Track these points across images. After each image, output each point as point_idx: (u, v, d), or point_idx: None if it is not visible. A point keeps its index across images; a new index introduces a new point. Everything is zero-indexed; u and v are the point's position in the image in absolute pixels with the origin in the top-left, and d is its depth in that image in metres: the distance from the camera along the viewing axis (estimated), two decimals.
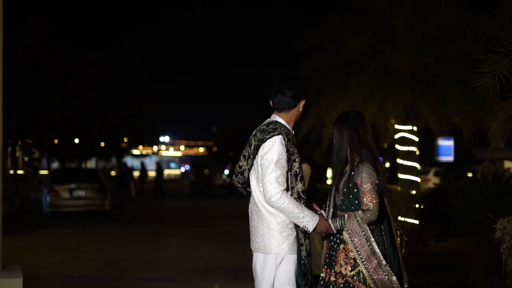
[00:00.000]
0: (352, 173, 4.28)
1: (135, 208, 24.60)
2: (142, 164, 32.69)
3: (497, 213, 7.66)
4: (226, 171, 45.77)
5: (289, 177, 4.26)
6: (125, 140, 39.52)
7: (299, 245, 4.27)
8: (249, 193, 4.51)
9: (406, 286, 4.30)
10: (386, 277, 4.16)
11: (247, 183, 4.48)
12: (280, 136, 4.23)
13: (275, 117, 4.43)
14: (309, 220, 4.19)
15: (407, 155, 13.91)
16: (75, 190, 18.46)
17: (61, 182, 18.74)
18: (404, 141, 13.90)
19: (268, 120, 4.46)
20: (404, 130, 13.77)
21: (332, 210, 4.50)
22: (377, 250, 4.18)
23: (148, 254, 11.76)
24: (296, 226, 4.27)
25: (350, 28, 13.51)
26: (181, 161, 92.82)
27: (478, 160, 26.04)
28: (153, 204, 27.35)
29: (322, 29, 14.05)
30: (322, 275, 4.41)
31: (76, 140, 32.22)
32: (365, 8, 13.72)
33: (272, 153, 4.19)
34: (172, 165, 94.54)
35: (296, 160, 4.28)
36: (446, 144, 35.69)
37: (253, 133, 4.42)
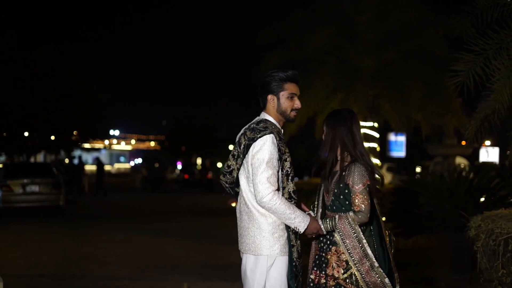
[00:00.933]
0: (344, 173, 4.21)
1: (88, 203, 24.19)
2: (98, 159, 32.13)
3: (465, 210, 7.74)
4: (179, 166, 45.52)
5: (280, 177, 4.17)
6: (75, 133, 38.87)
7: (290, 246, 4.18)
8: (237, 193, 4.40)
9: (398, 287, 4.25)
10: (379, 279, 4.11)
11: (235, 183, 4.37)
12: (272, 135, 4.14)
13: (264, 115, 4.34)
14: (300, 221, 4.10)
15: (369, 152, 13.97)
16: (28, 185, 18.01)
17: (14, 177, 18.24)
18: (365, 137, 13.96)
19: (257, 118, 4.36)
20: (365, 127, 13.83)
21: (321, 210, 4.43)
22: (369, 252, 4.13)
23: (108, 251, 11.52)
24: (287, 227, 4.17)
25: (312, 23, 13.46)
26: (131, 155, 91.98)
27: (430, 156, 26.47)
28: (106, 199, 26.94)
29: (284, 24, 13.96)
30: (312, 276, 4.33)
31: (26, 134, 31.58)
32: (328, 3, 13.69)
33: (263, 152, 4.09)
34: (122, 159, 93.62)
35: (287, 159, 4.19)
36: (398, 140, 36.22)
37: (242, 131, 4.31)
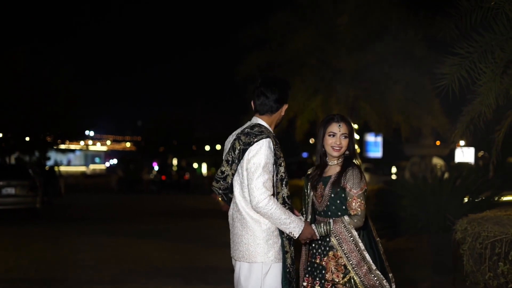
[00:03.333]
0: (341, 178, 4.17)
1: (64, 205, 23.95)
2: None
3: (448, 212, 7.78)
4: (155, 167, 45.26)
5: (275, 182, 4.11)
6: (51, 134, 38.49)
7: (284, 252, 4.12)
8: (230, 200, 4.31)
9: (394, 286, 4.23)
10: (378, 282, 4.08)
11: (229, 189, 4.28)
12: (269, 139, 4.07)
13: (257, 120, 4.26)
14: (295, 226, 4.05)
15: None
16: (4, 188, 17.74)
17: None
18: None
19: (249, 122, 4.28)
20: None
21: (310, 216, 4.39)
22: (367, 255, 4.10)
23: (87, 254, 11.39)
24: (281, 233, 4.12)
25: (293, 25, 13.49)
26: (106, 155, 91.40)
27: (407, 156, 26.66)
28: (84, 201, 26.72)
29: (264, 25, 13.97)
30: (304, 284, 4.29)
31: None
32: (308, 5, 13.72)
33: (259, 157, 4.03)
34: (97, 160, 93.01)
35: (282, 164, 4.14)
36: (374, 140, 36.39)
37: (235, 136, 4.23)
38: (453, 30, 6.97)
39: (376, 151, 37.25)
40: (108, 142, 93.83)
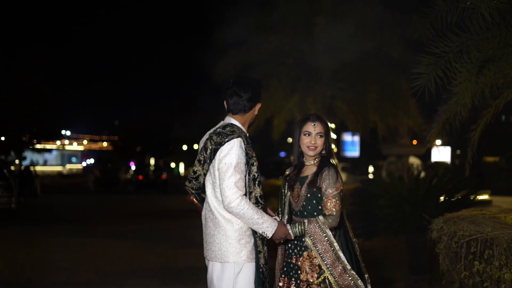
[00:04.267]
0: (317, 177, 4.15)
1: (40, 205, 23.72)
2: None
3: (424, 212, 7.79)
4: (132, 166, 45.02)
5: (247, 182, 4.09)
6: (26, 134, 38.13)
7: (257, 252, 4.10)
8: (203, 200, 4.30)
9: (369, 287, 4.23)
10: (352, 282, 4.07)
11: (202, 188, 4.27)
12: (240, 139, 4.06)
13: (230, 119, 4.24)
14: (268, 226, 4.03)
15: None
16: None
17: None
18: None
19: (222, 122, 4.27)
20: None
21: (286, 216, 4.37)
22: (341, 255, 4.08)
23: (63, 255, 11.29)
24: (254, 233, 4.10)
25: (270, 24, 13.47)
26: (83, 155, 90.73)
27: (384, 155, 26.79)
28: (59, 201, 26.48)
29: (241, 24, 13.91)
30: (280, 284, 4.27)
31: None
32: (285, 5, 13.71)
33: (231, 157, 4.01)
34: (74, 159, 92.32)
35: (254, 164, 4.12)
36: (351, 140, 36.50)
37: (207, 136, 4.22)
38: (429, 30, 7.00)
39: (353, 151, 37.37)
40: (85, 142, 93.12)
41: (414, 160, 24.77)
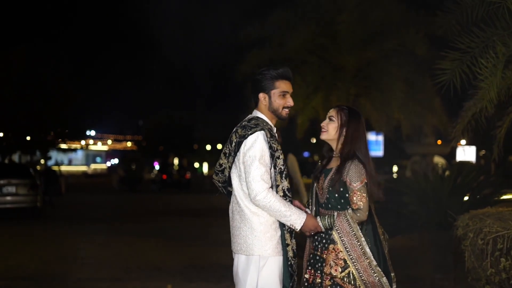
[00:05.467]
0: (341, 170, 4.13)
1: (65, 204, 23.92)
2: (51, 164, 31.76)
3: (449, 209, 7.73)
4: (156, 166, 45.20)
5: (273, 175, 4.08)
6: (51, 133, 38.48)
7: (285, 245, 4.09)
8: (229, 193, 4.30)
9: (395, 286, 4.19)
10: (377, 279, 4.03)
11: (228, 182, 4.28)
12: (263, 131, 4.06)
13: (256, 113, 4.27)
14: (296, 218, 4.02)
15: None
16: (5, 186, 17.68)
17: None
18: None
19: (249, 116, 4.29)
20: None
21: (314, 208, 4.36)
22: (368, 250, 4.05)
23: (87, 252, 11.37)
24: (282, 226, 4.09)
25: (293, 22, 13.46)
26: (107, 155, 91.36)
27: (408, 155, 26.63)
28: (84, 200, 26.69)
29: (265, 23, 13.93)
30: (306, 276, 4.26)
31: (0, 134, 31.20)
32: (308, 2, 13.69)
33: (254, 150, 4.01)
34: (98, 159, 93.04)
35: (280, 156, 4.10)
36: (375, 139, 36.32)
37: (234, 129, 4.24)
38: (454, 26, 6.92)
39: (377, 150, 37.20)
40: (109, 142, 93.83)
41: (439, 160, 24.58)
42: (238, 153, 4.11)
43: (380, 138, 35.51)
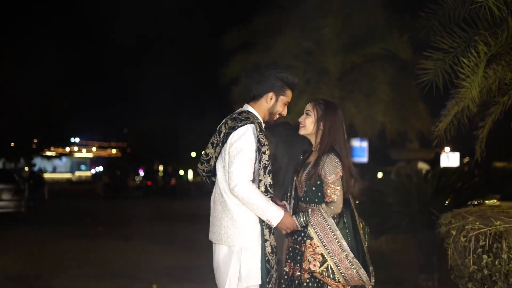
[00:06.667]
0: (317, 164, 4.16)
1: (50, 209, 23.78)
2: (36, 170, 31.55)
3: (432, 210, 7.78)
4: (141, 173, 45.05)
5: (257, 169, 4.09)
6: (35, 141, 38.27)
7: (264, 240, 4.10)
8: (213, 183, 4.31)
9: (373, 280, 4.21)
10: (355, 271, 4.05)
11: (212, 172, 4.29)
12: (253, 125, 4.08)
13: (247, 107, 4.30)
14: (274, 214, 4.02)
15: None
16: None
17: None
18: None
19: (240, 109, 4.32)
20: None
21: (293, 202, 4.38)
22: (344, 243, 4.06)
23: (72, 255, 11.33)
24: (261, 221, 4.09)
25: (278, 27, 13.50)
26: (92, 162, 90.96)
27: (393, 161, 26.73)
28: (69, 206, 26.54)
29: (250, 27, 13.97)
30: (286, 269, 4.28)
31: None
32: (293, 7, 13.73)
33: (242, 142, 4.03)
34: (83, 166, 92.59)
35: (266, 152, 4.11)
36: (360, 145, 36.39)
37: (224, 120, 4.26)
38: (437, 27, 6.99)
39: (362, 156, 37.24)
40: (94, 149, 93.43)
41: (422, 166, 24.73)
42: (225, 144, 4.13)
43: (365, 144, 35.59)
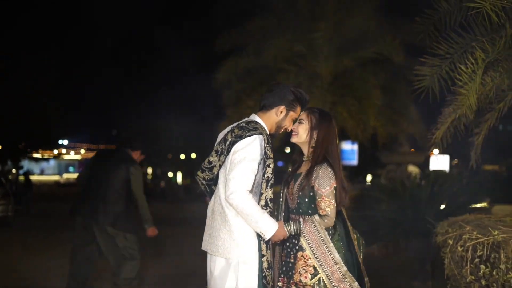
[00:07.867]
0: (310, 175, 4.05)
1: (38, 213, 23.57)
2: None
3: (427, 216, 7.71)
4: None
5: (260, 182, 3.98)
6: (22, 143, 38.02)
7: (261, 256, 3.99)
8: (212, 192, 4.19)
9: None
10: (348, 284, 3.95)
11: (214, 180, 4.17)
12: (261, 136, 3.97)
13: (255, 117, 4.19)
14: (268, 227, 3.91)
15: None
16: None
17: None
18: None
19: (247, 118, 4.20)
20: None
21: (283, 214, 4.28)
22: (337, 256, 3.97)
23: (60, 261, 11.06)
24: (259, 236, 3.98)
25: (270, 31, 13.43)
26: (80, 164, 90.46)
27: (383, 163, 26.72)
28: (57, 209, 26.31)
29: (242, 31, 13.89)
30: (279, 284, 4.16)
31: None
32: (285, 11, 13.68)
33: (246, 151, 3.90)
34: (71, 169, 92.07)
35: (271, 165, 4.00)
36: (349, 148, 36.46)
37: (230, 128, 4.13)
38: (432, 32, 6.92)
39: (352, 159, 37.34)
40: (82, 151, 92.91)
41: (412, 169, 24.66)
42: (230, 153, 4.02)
43: (355, 147, 35.66)
